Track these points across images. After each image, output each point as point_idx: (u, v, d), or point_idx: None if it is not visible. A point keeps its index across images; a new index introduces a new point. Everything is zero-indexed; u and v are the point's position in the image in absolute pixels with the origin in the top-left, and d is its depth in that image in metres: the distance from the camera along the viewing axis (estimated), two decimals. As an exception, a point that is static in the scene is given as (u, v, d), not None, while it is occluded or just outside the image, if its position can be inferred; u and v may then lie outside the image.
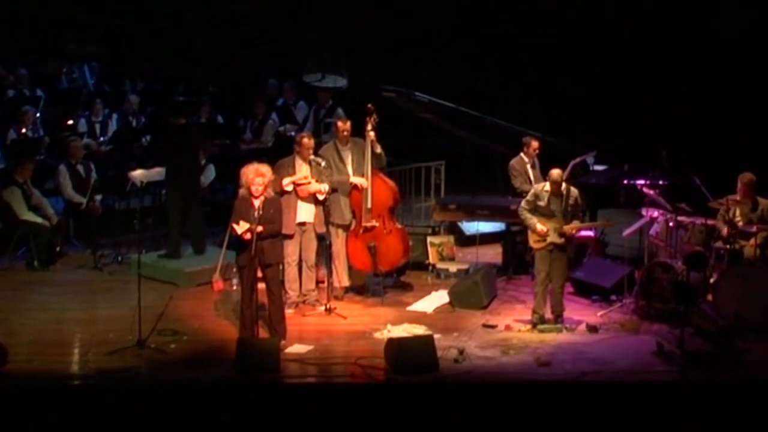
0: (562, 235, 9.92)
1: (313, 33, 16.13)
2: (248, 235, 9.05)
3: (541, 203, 9.99)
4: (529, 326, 9.98)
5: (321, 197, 10.37)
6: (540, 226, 9.91)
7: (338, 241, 10.74)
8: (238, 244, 9.26)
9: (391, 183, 10.84)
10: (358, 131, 10.74)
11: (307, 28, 16.52)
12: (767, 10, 15.11)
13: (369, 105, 10.63)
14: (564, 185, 9.99)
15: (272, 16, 16.87)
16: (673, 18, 16.51)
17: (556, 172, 9.96)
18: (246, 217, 9.13)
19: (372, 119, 10.57)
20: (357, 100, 11.63)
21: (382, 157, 10.72)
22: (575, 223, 10.01)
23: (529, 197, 10.16)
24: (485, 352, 9.31)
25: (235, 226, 9.17)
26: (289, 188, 10.18)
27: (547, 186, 10.00)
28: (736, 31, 15.42)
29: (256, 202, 9.15)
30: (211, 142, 13.80)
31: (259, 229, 9.05)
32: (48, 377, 8.63)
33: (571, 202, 9.98)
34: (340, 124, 10.73)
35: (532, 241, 10.09)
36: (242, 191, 9.31)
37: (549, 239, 9.92)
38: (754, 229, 10.35)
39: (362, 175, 10.61)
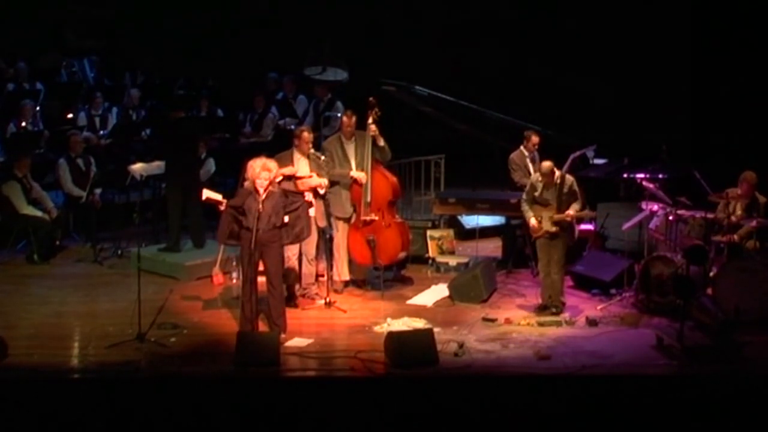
0: (556, 223, 10.01)
1: (314, 25, 16.13)
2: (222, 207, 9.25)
3: (537, 193, 10.14)
4: (531, 313, 10.08)
5: (321, 191, 10.37)
6: (533, 221, 10.10)
7: (339, 235, 10.74)
8: (240, 237, 9.29)
9: (391, 177, 10.82)
10: (360, 125, 10.73)
11: (307, 21, 16.52)
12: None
13: (371, 98, 10.63)
14: (558, 174, 10.10)
15: (272, 8, 16.88)
16: (673, 11, 16.52)
17: (546, 165, 10.12)
18: (249, 209, 9.14)
19: (373, 112, 10.56)
20: (356, 94, 11.62)
21: (386, 151, 10.69)
22: (568, 212, 10.05)
23: (528, 187, 10.31)
24: (485, 345, 9.32)
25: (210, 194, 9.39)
26: (278, 179, 10.14)
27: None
28: (736, 24, 15.41)
29: (260, 197, 9.15)
30: (210, 135, 13.79)
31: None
32: (48, 371, 8.62)
33: (565, 190, 10.09)
34: (345, 119, 10.70)
35: (531, 231, 10.24)
36: (247, 184, 9.32)
37: (544, 228, 10.07)
38: (754, 223, 10.34)
39: (364, 169, 10.60)
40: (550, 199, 10.08)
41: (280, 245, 9.38)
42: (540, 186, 10.13)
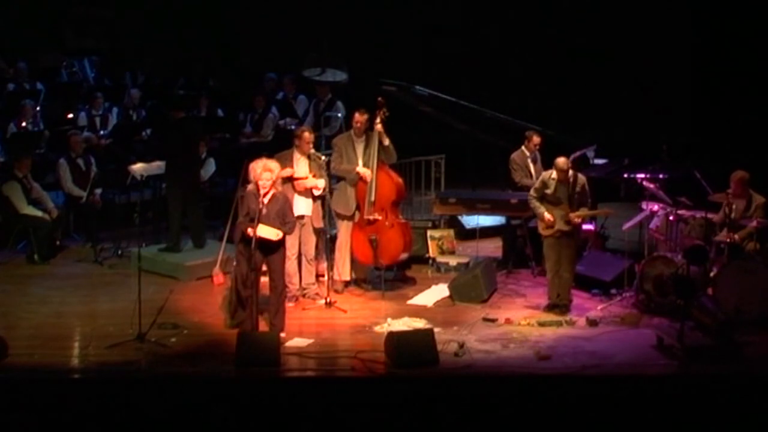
0: (568, 222, 10.02)
1: (313, 26, 16.14)
2: (250, 233, 9.05)
3: (548, 191, 10.11)
4: (538, 312, 10.11)
5: (317, 193, 10.36)
6: (547, 215, 10.05)
7: (342, 234, 10.74)
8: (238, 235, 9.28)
9: (396, 177, 10.82)
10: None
11: (306, 22, 16.53)
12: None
13: (379, 98, 10.65)
14: (571, 173, 10.09)
15: (272, 8, 16.89)
16: (673, 10, 16.53)
17: (562, 160, 10.08)
18: (251, 210, 9.13)
19: (381, 113, 10.57)
20: (357, 94, 11.64)
21: (390, 152, 10.68)
22: (582, 211, 10.11)
23: (537, 185, 10.28)
24: (485, 345, 9.32)
25: (251, 231, 9.09)
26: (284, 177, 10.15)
27: (554, 173, 10.07)
28: (737, 24, 15.42)
29: (264, 199, 9.14)
30: (210, 135, 13.79)
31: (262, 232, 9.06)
32: (48, 371, 8.63)
33: (578, 189, 10.10)
34: (357, 115, 10.71)
35: (541, 228, 10.23)
36: (250, 186, 9.32)
37: (556, 226, 10.07)
38: (754, 223, 10.35)
39: (370, 168, 10.61)
40: (561, 197, 10.06)
41: (283, 246, 9.37)
42: (553, 184, 10.09)
